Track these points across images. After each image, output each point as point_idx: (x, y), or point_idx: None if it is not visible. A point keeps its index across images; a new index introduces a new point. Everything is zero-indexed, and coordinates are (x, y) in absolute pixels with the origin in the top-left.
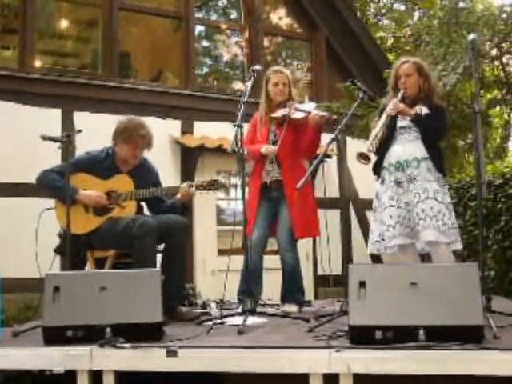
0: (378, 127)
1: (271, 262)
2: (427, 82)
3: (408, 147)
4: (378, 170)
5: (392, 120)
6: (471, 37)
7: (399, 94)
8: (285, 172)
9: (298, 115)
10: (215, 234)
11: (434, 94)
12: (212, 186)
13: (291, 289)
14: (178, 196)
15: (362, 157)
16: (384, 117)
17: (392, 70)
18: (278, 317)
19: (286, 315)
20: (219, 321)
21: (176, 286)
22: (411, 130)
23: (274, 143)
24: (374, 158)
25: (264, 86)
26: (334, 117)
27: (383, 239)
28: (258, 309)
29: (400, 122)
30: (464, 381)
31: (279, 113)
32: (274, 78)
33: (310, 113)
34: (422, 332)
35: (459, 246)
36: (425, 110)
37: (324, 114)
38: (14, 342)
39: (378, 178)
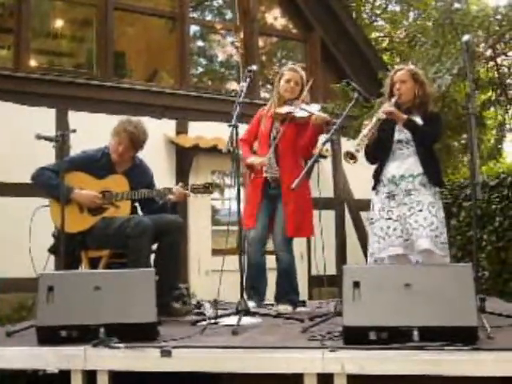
0: (366, 129)
1: (267, 261)
2: (422, 88)
3: (405, 164)
4: (375, 185)
5: (386, 131)
6: (466, 38)
7: (392, 100)
8: (283, 169)
9: (302, 114)
10: (210, 234)
11: (430, 101)
12: (207, 189)
13: (286, 288)
14: (172, 197)
15: (349, 156)
16: (374, 119)
17: (387, 78)
18: (272, 317)
19: (280, 315)
20: (213, 321)
21: (169, 283)
22: (408, 144)
23: (275, 139)
24: (361, 157)
25: (277, 81)
26: (335, 121)
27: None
28: (253, 309)
29: (397, 135)
30: (458, 381)
31: (284, 109)
32: (288, 75)
33: (313, 114)
34: (416, 333)
35: (447, 260)
36: (419, 121)
37: (325, 115)
38: (7, 341)
39: (374, 188)
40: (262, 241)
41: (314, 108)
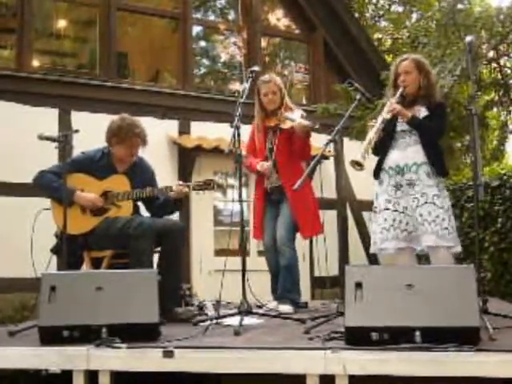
0: (372, 132)
1: (261, 262)
2: (427, 78)
3: (408, 152)
4: (377, 172)
5: (389, 123)
6: (469, 39)
7: (398, 93)
8: (283, 177)
9: (287, 125)
10: (212, 234)
11: (435, 91)
12: (208, 186)
13: (288, 286)
14: (172, 193)
15: (356, 164)
16: (380, 120)
17: (392, 67)
18: (274, 317)
19: (282, 316)
20: (215, 321)
21: (171, 288)
22: (411, 133)
23: (271, 150)
24: (367, 163)
25: (256, 95)
26: (317, 126)
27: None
28: (255, 309)
29: (400, 126)
30: (460, 382)
31: (272, 122)
32: (263, 89)
33: (295, 123)
34: (418, 333)
35: (459, 249)
36: (423, 113)
37: (307, 123)
38: (10, 341)
39: (376, 177)
40: (273, 247)
41: (297, 114)
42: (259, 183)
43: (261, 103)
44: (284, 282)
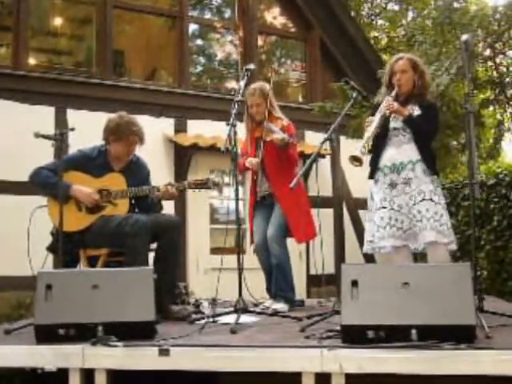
0: (372, 128)
1: (254, 260)
2: (422, 78)
3: (403, 150)
4: (373, 172)
5: (385, 120)
6: (465, 37)
7: (393, 92)
8: (274, 185)
9: (269, 137)
10: (208, 232)
11: (428, 91)
12: (204, 184)
13: (281, 285)
14: (158, 193)
15: (355, 159)
16: (378, 117)
17: (387, 66)
18: (270, 316)
19: (278, 314)
20: (212, 319)
21: (168, 285)
22: (405, 131)
23: (261, 159)
24: (366, 160)
25: (245, 105)
26: (290, 140)
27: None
28: (251, 308)
29: (393, 123)
30: (456, 380)
31: (259, 133)
32: (249, 101)
33: (273, 137)
34: (414, 332)
35: (455, 247)
36: (416, 112)
37: (281, 137)
38: (6, 339)
39: (372, 177)
40: (263, 247)
41: (279, 126)
42: (252, 191)
43: (249, 113)
44: (277, 281)
